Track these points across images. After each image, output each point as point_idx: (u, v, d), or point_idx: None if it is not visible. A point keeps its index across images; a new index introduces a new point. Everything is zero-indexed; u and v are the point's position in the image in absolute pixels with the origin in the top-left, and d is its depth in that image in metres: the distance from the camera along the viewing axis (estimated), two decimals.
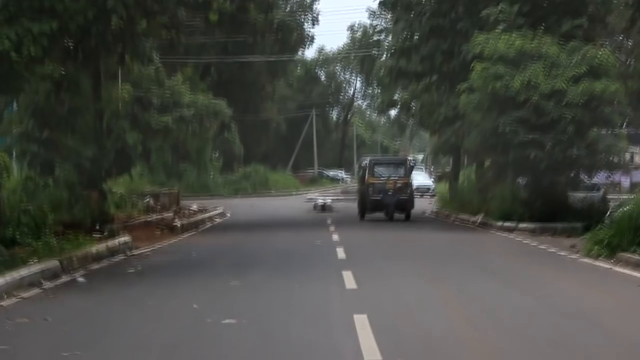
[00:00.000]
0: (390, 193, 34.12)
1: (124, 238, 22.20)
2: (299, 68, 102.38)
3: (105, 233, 25.52)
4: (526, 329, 10.25)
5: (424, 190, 55.43)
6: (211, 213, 39.39)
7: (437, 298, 12.83)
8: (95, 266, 17.67)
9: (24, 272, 14.60)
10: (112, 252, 20.23)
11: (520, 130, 26.36)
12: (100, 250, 19.43)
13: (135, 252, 21.22)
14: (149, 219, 33.01)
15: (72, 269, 16.59)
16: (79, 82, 31.71)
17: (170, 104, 54.06)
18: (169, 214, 36.78)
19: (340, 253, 19.62)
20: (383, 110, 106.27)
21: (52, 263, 16.03)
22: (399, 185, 34.40)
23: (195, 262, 18.57)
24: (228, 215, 41.48)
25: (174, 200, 42.85)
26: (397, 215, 34.19)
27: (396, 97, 50.95)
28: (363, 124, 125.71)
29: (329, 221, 33.96)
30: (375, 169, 35.46)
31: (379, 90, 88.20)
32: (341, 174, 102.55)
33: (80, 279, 15.21)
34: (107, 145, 32.08)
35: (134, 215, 34.18)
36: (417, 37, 34.97)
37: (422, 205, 41.71)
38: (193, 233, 29.79)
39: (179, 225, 30.20)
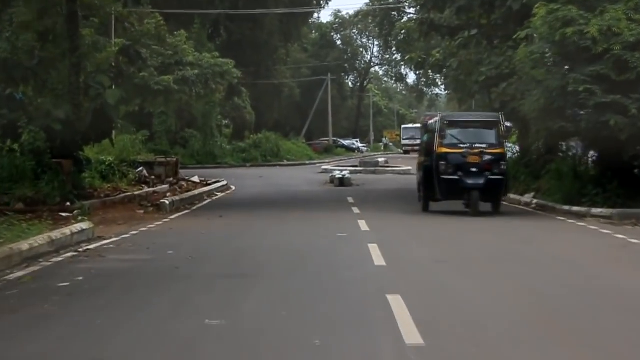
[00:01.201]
0: (474, 170, 22.54)
1: (82, 225, 16.60)
2: (313, 32, 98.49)
3: (76, 212, 20.89)
4: None
5: None
6: (212, 187, 33.92)
7: None
8: (17, 273, 11.94)
9: None
10: (58, 246, 14.60)
11: (597, 90, 20.87)
12: (36, 245, 13.72)
13: (93, 245, 15.52)
14: (137, 193, 28.19)
15: None
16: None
17: (172, 63, 49.53)
18: (164, 187, 32.08)
19: (376, 255, 13.53)
20: (405, 76, 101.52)
21: None
22: (488, 158, 22.72)
23: (166, 268, 12.67)
24: (233, 188, 36.00)
25: (171, 170, 37.89)
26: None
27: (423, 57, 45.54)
28: (379, 92, 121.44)
29: (350, 200, 28.26)
30: (449, 132, 23.29)
31: (399, 56, 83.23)
32: (357, 143, 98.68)
33: None
34: (85, 104, 27.00)
35: (121, 188, 29.42)
36: None
37: None
38: (185, 212, 24.36)
39: (167, 203, 24.69)
